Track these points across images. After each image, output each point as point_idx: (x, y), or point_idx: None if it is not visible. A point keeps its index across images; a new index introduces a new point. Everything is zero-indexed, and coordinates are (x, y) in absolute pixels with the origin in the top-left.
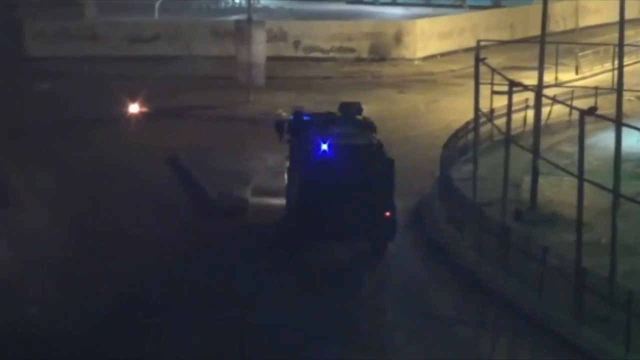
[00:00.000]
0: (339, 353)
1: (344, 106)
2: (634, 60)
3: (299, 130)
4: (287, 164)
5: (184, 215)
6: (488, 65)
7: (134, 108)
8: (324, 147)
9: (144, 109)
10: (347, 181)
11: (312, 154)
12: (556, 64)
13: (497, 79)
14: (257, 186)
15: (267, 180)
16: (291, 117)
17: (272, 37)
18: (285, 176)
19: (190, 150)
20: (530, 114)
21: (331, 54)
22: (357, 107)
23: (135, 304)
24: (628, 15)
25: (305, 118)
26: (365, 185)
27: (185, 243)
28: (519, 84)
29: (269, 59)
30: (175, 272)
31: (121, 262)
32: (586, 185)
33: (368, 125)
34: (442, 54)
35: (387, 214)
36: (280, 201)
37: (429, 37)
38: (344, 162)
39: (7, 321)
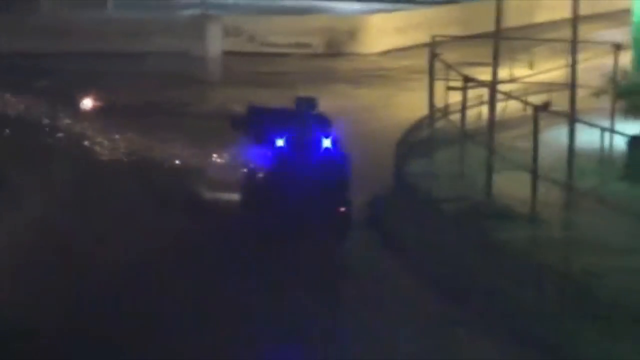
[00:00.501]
0: None
1: (299, 101)
2: (589, 56)
3: (253, 125)
4: (242, 159)
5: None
6: (443, 61)
7: (86, 104)
8: (280, 142)
9: (97, 105)
10: (300, 177)
11: (265, 150)
12: (511, 60)
13: (453, 74)
14: (212, 180)
15: (223, 175)
16: (246, 112)
17: (227, 32)
18: (241, 171)
19: (141, 146)
20: (486, 109)
21: (287, 49)
22: (312, 103)
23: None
24: (582, 11)
25: (259, 113)
26: (319, 181)
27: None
28: (474, 80)
29: (224, 54)
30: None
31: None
32: (540, 181)
33: (323, 121)
34: (398, 50)
35: (342, 209)
36: (237, 196)
37: (385, 32)
38: (297, 158)
39: None
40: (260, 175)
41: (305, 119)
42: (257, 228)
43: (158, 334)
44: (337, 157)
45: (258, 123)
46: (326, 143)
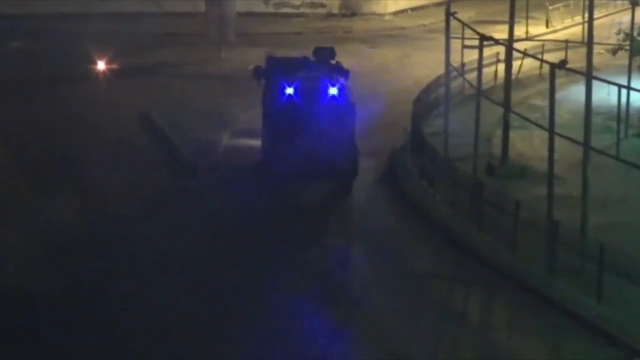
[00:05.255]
0: (316, 307)
1: (317, 51)
2: (604, 14)
3: (270, 74)
4: (262, 108)
5: (154, 171)
6: (459, 20)
7: (101, 65)
8: (289, 90)
9: (113, 66)
10: (310, 122)
11: (278, 97)
12: (527, 18)
13: (468, 33)
14: (234, 131)
15: (243, 128)
16: (265, 62)
17: None
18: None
19: (161, 107)
20: (501, 68)
21: (302, 10)
22: (329, 52)
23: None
24: None
25: (276, 64)
26: (328, 127)
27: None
28: (490, 38)
29: (240, 15)
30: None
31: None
32: (557, 139)
33: (340, 70)
34: (413, 9)
35: (349, 153)
36: (256, 142)
37: None
38: (308, 104)
39: None
40: (271, 121)
41: (321, 68)
42: (276, 171)
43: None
44: (343, 104)
45: (275, 73)
46: (333, 91)
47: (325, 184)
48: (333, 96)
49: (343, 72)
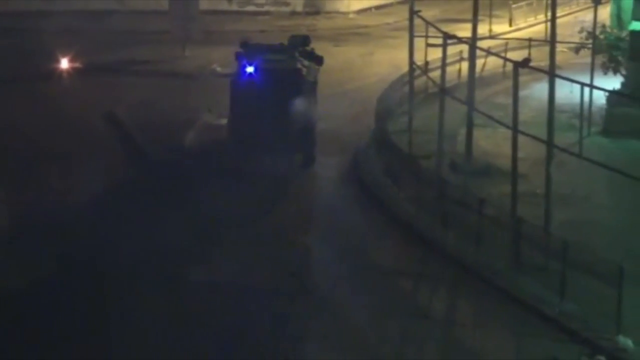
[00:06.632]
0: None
1: (291, 38)
2: (567, 12)
3: (238, 56)
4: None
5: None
6: (422, 18)
7: (65, 64)
8: (250, 69)
9: (76, 65)
10: (271, 100)
11: (240, 75)
12: (490, 16)
13: (432, 31)
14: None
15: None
16: (240, 46)
17: None
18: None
19: (125, 105)
20: (465, 66)
21: (266, 8)
22: (303, 39)
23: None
24: None
25: (249, 48)
26: (288, 105)
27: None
28: (453, 37)
29: (204, 13)
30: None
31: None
32: (521, 137)
33: (311, 56)
34: (377, 7)
35: (307, 129)
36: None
37: None
38: (268, 84)
39: None
40: (235, 99)
41: (288, 52)
42: (241, 147)
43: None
44: (304, 85)
45: (242, 54)
46: (294, 72)
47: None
48: (294, 76)
49: (315, 57)
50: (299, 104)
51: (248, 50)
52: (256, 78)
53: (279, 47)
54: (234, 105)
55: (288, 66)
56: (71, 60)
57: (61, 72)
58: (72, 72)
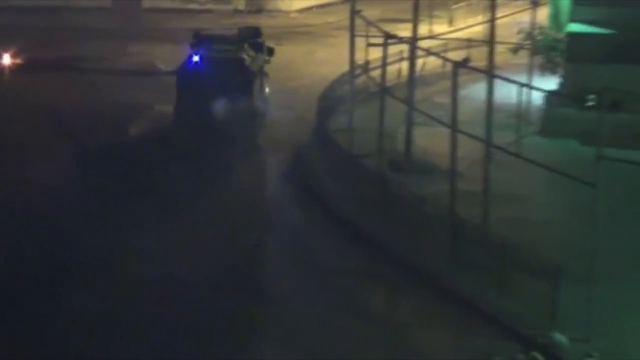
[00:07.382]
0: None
1: (241, 30)
2: (506, 13)
3: (195, 47)
4: None
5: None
6: (363, 18)
7: (6, 60)
8: (196, 58)
9: (18, 61)
10: (214, 87)
11: (187, 63)
12: (430, 17)
13: (373, 31)
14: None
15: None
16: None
17: None
18: None
19: (66, 102)
20: (405, 65)
21: (208, 6)
22: (253, 31)
23: None
24: None
25: (201, 38)
26: (230, 92)
27: None
28: (394, 36)
29: (147, 10)
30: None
31: None
32: (460, 136)
33: (262, 47)
34: (319, 6)
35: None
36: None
37: None
38: (212, 72)
39: None
40: (179, 85)
41: (236, 42)
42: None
43: None
44: (245, 74)
45: (198, 45)
46: (236, 61)
47: None
48: (237, 65)
49: (266, 48)
50: (241, 91)
51: (199, 40)
52: (201, 66)
53: (229, 38)
54: (179, 91)
55: (232, 55)
56: (12, 56)
57: (2, 68)
58: (13, 68)
